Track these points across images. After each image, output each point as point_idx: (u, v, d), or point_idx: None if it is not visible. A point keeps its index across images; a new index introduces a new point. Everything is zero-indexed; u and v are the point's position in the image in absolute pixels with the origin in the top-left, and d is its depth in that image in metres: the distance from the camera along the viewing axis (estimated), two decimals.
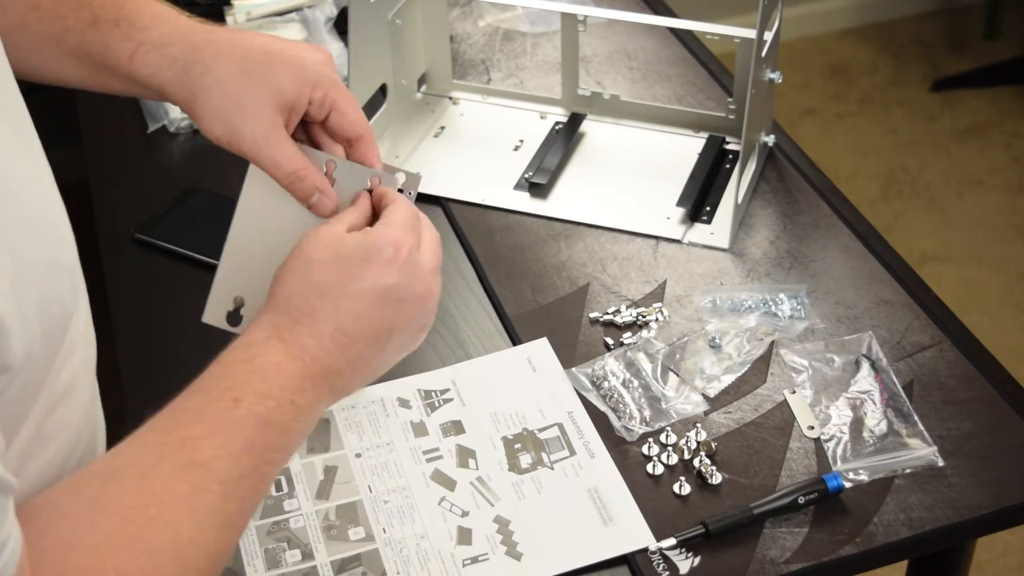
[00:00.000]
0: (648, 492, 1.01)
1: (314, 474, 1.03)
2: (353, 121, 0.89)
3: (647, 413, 1.07)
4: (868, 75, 3.22)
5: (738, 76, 1.33)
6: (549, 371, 1.11)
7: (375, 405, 1.09)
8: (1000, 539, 2.05)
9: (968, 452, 1.03)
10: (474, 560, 0.96)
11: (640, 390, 1.08)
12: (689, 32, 1.55)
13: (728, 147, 1.37)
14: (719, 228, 1.27)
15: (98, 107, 1.47)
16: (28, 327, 0.64)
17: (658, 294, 1.19)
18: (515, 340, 1.15)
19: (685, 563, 0.95)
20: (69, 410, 0.74)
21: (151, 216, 1.30)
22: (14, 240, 0.64)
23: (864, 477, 1.01)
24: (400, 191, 0.89)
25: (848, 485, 1.00)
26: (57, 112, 1.46)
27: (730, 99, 1.37)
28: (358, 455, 1.05)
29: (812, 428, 1.05)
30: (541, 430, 1.06)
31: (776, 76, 1.28)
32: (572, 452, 1.04)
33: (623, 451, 1.04)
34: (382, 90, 1.38)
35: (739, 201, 1.24)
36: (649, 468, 1.03)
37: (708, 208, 1.29)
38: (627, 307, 1.17)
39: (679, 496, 1.00)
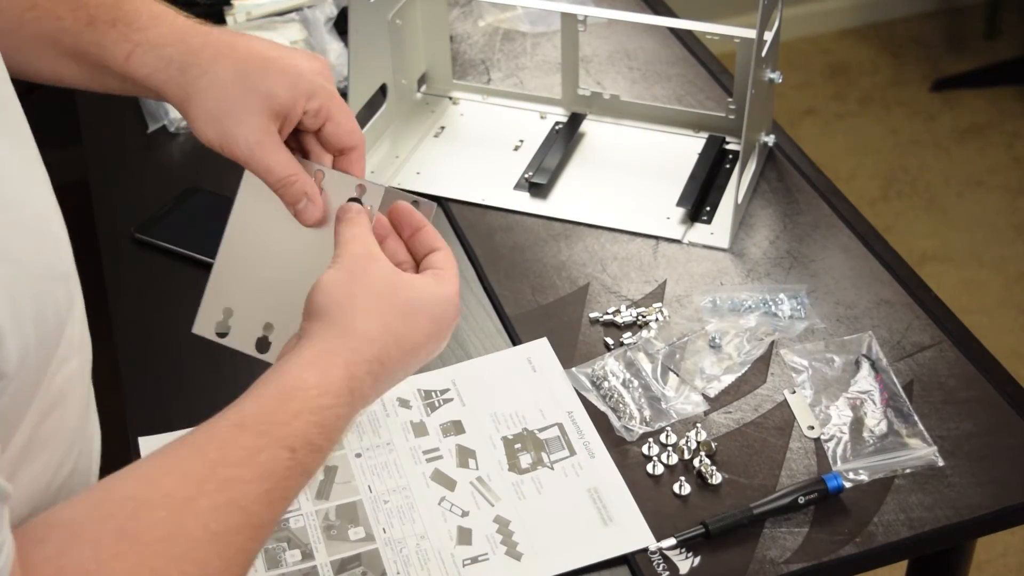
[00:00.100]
0: (648, 492, 1.01)
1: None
2: (349, 131, 0.89)
3: (647, 413, 1.07)
4: (868, 75, 3.22)
5: (738, 76, 1.33)
6: (549, 371, 1.11)
7: (375, 405, 1.09)
8: (1000, 539, 2.04)
9: (968, 452, 1.03)
10: (474, 560, 0.96)
11: (640, 390, 1.08)
12: (689, 32, 1.55)
13: (728, 147, 1.37)
14: (719, 228, 1.27)
15: (98, 107, 1.47)
16: (23, 333, 0.64)
17: (658, 294, 1.19)
18: (515, 340, 1.15)
19: (685, 563, 0.95)
20: (63, 416, 0.73)
21: (151, 216, 1.30)
22: (9, 246, 0.64)
23: (864, 477, 1.01)
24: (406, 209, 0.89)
25: (848, 485, 1.00)
26: (57, 112, 1.46)
27: (730, 99, 1.37)
28: (358, 455, 1.05)
29: (812, 428, 1.05)
30: (541, 430, 1.06)
31: (776, 76, 1.28)
32: (572, 452, 1.04)
33: (623, 451, 1.04)
34: (382, 90, 1.38)
35: (739, 201, 1.24)
36: (649, 468, 1.03)
37: (708, 208, 1.29)
38: (627, 307, 1.17)
39: (679, 496, 1.00)
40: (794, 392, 1.08)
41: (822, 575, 0.95)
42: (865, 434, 1.04)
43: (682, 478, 1.02)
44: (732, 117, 1.37)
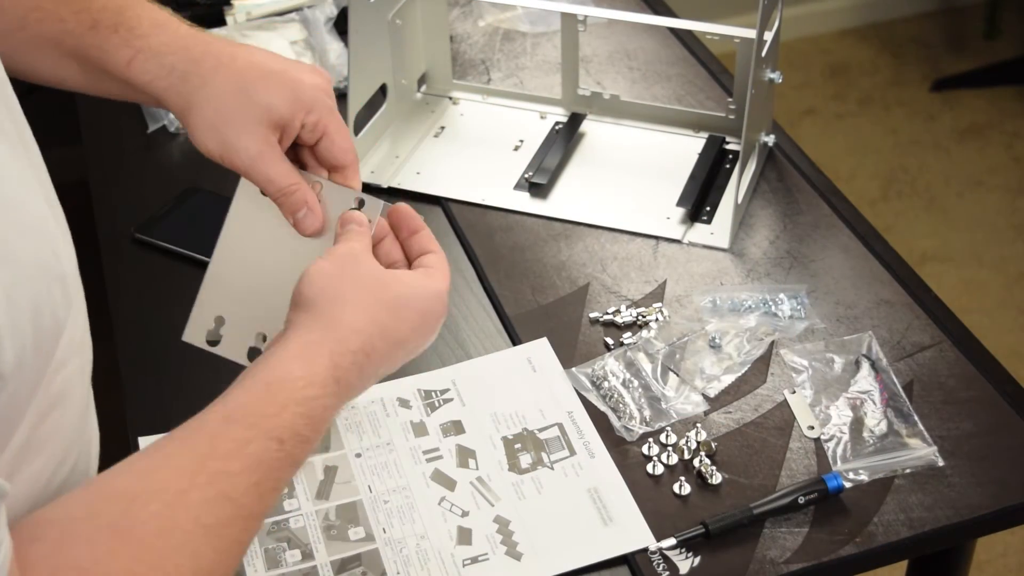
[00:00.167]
0: (648, 492, 1.01)
1: (314, 474, 1.03)
2: (343, 149, 0.90)
3: (647, 413, 1.07)
4: (868, 75, 3.22)
5: (738, 76, 1.33)
6: (549, 371, 1.11)
7: (375, 405, 1.09)
8: (1000, 539, 2.05)
9: (968, 452, 1.03)
10: (474, 560, 0.96)
11: (640, 390, 1.08)
12: (689, 32, 1.55)
13: (728, 147, 1.37)
14: (719, 228, 1.27)
15: (98, 107, 1.46)
16: (20, 335, 0.64)
17: (658, 294, 1.19)
18: (515, 340, 1.15)
19: (685, 563, 0.95)
20: (62, 418, 0.73)
21: (151, 216, 1.30)
22: (7, 248, 0.64)
23: (864, 477, 1.01)
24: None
25: (848, 485, 1.00)
26: (57, 112, 1.46)
27: (730, 99, 1.37)
28: (358, 455, 1.05)
29: (812, 428, 1.05)
30: (541, 430, 1.06)
31: (776, 76, 1.28)
32: (572, 452, 1.04)
33: (623, 451, 1.04)
34: (382, 90, 1.38)
35: (739, 201, 1.24)
36: (649, 468, 1.03)
37: (708, 208, 1.29)
38: (627, 307, 1.17)
39: (679, 496, 1.00)
40: (794, 392, 1.08)
41: (822, 575, 0.95)
42: (865, 434, 1.04)
43: (682, 478, 1.02)
44: (732, 117, 1.37)
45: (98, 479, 0.70)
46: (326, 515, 1.00)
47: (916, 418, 1.05)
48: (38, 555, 0.63)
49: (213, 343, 0.92)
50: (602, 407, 1.07)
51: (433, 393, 1.10)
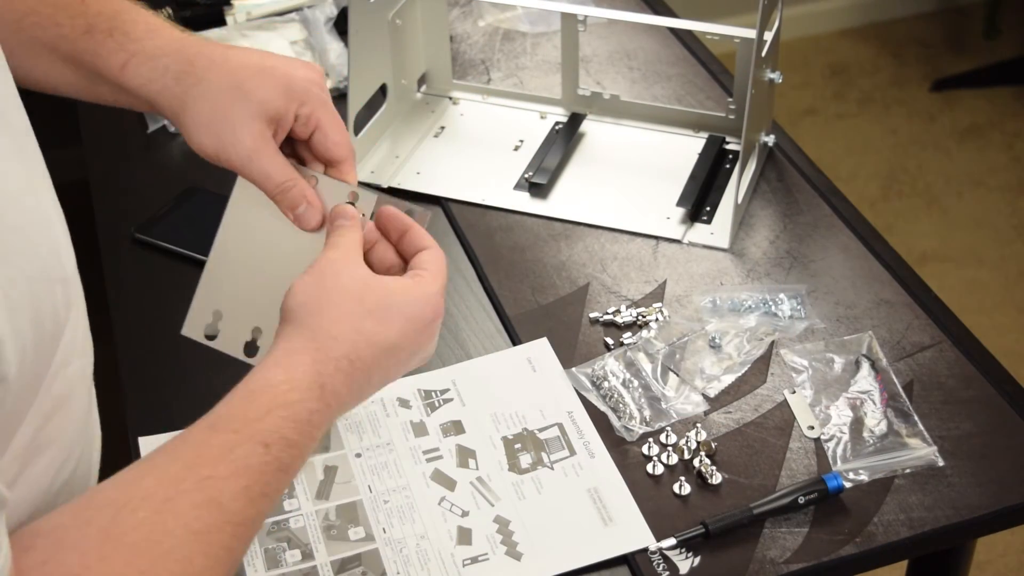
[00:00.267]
0: (648, 492, 1.01)
1: (314, 474, 1.03)
2: (337, 143, 0.89)
3: (647, 413, 1.07)
4: (868, 75, 3.22)
5: (738, 76, 1.33)
6: (549, 371, 1.11)
7: (375, 405, 1.09)
8: (1000, 539, 2.04)
9: (968, 452, 1.03)
10: (474, 560, 0.96)
11: (640, 390, 1.08)
12: (689, 32, 1.55)
13: (728, 147, 1.37)
14: (719, 228, 1.27)
15: (98, 107, 1.46)
16: (20, 337, 0.64)
17: (658, 294, 1.19)
18: (515, 340, 1.15)
19: (685, 563, 0.95)
20: (64, 420, 0.73)
21: (151, 216, 1.30)
22: (7, 250, 0.64)
23: (864, 477, 1.01)
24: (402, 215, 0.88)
25: (848, 485, 1.00)
26: (57, 112, 1.46)
27: (730, 99, 1.37)
28: (358, 455, 1.05)
29: (812, 428, 1.05)
30: (541, 430, 1.06)
31: (776, 76, 1.29)
32: (572, 452, 1.04)
33: (623, 451, 1.04)
34: (382, 90, 1.38)
35: (739, 201, 1.24)
36: (649, 468, 1.03)
37: (708, 208, 1.29)
38: (627, 307, 1.17)
39: (679, 496, 1.00)
40: (794, 392, 1.08)
41: (822, 575, 0.95)
42: (865, 434, 1.04)
43: (682, 478, 1.02)
44: (732, 117, 1.37)
45: (88, 492, 0.70)
46: (326, 515, 1.00)
47: (916, 418, 1.05)
48: (29, 564, 0.63)
49: (211, 337, 0.92)
50: (602, 407, 1.07)
51: (433, 393, 1.10)
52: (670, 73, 1.51)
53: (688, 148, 1.37)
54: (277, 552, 0.97)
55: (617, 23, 1.57)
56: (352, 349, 0.78)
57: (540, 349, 1.13)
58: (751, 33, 1.22)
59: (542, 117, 1.44)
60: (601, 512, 0.99)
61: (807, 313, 1.16)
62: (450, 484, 1.02)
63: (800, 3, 3.25)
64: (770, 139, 1.34)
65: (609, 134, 1.42)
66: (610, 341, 1.14)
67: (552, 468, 1.03)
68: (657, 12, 1.61)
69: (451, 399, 1.09)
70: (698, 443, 1.04)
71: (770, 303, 1.16)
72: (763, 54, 1.20)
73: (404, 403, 1.09)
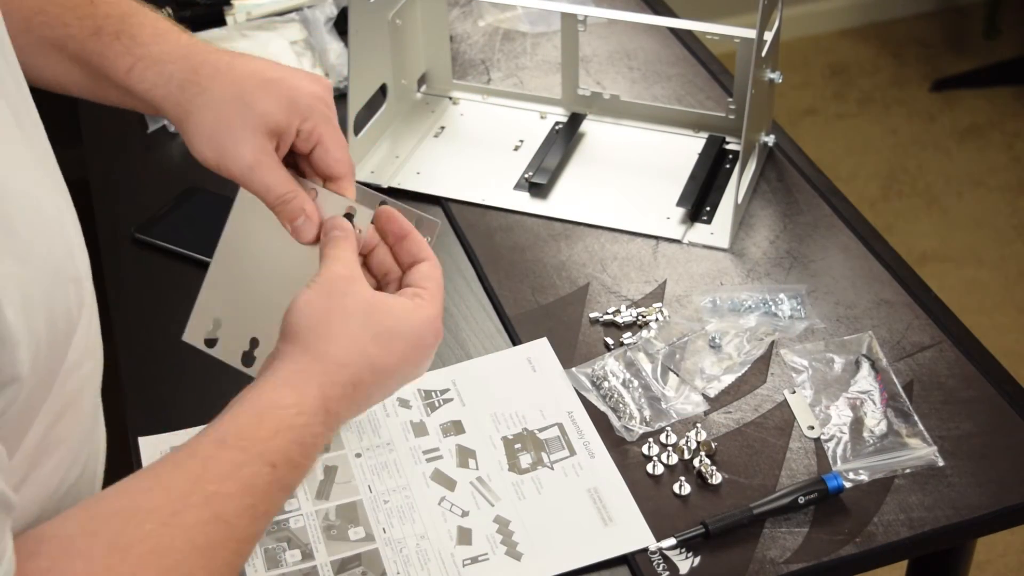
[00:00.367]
0: (648, 492, 1.01)
1: (314, 474, 1.03)
2: (337, 160, 0.89)
3: (647, 413, 1.07)
4: (868, 75, 3.23)
5: (738, 76, 1.33)
6: (549, 371, 1.11)
7: (375, 405, 1.08)
8: (1000, 539, 2.05)
9: (968, 452, 1.03)
10: (474, 560, 0.96)
11: (640, 390, 1.08)
12: (689, 32, 1.55)
13: (728, 147, 1.37)
14: (719, 228, 1.27)
15: (98, 107, 1.45)
16: (34, 337, 0.64)
17: (658, 294, 1.19)
18: (515, 340, 1.15)
19: (685, 563, 0.95)
20: (73, 420, 0.73)
21: (151, 216, 1.30)
22: (25, 250, 0.64)
23: (864, 477, 1.01)
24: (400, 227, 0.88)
25: (848, 485, 1.00)
26: (57, 112, 1.46)
27: (730, 99, 1.37)
28: (358, 455, 1.05)
29: (812, 428, 1.05)
30: (541, 430, 1.06)
31: (776, 76, 1.29)
32: (572, 452, 1.04)
33: (623, 451, 1.04)
34: (382, 90, 1.38)
35: (739, 201, 1.24)
36: (649, 468, 1.03)
37: (708, 208, 1.29)
38: (627, 307, 1.17)
39: (679, 496, 1.00)
40: (794, 392, 1.08)
41: (822, 575, 0.95)
42: (865, 434, 1.04)
43: (682, 478, 1.02)
44: (732, 117, 1.37)
45: (93, 499, 0.70)
46: (326, 515, 1.00)
47: (916, 418, 1.05)
48: (35, 570, 0.63)
49: (210, 344, 0.92)
50: (602, 407, 1.07)
51: (433, 393, 1.10)
52: (670, 73, 1.51)
53: (688, 148, 1.37)
54: (277, 552, 0.97)
55: (617, 23, 1.57)
56: (356, 374, 0.79)
57: (540, 349, 1.14)
58: (751, 33, 1.22)
59: (542, 117, 1.44)
60: (601, 512, 0.99)
61: (807, 313, 1.16)
62: (450, 484, 1.02)
63: (800, 3, 3.25)
64: (770, 139, 1.34)
65: (609, 134, 1.42)
66: (610, 341, 1.14)
67: (552, 468, 1.03)
68: (657, 12, 1.61)
69: (451, 399, 1.09)
70: (698, 443, 1.04)
71: (770, 303, 1.16)
72: (763, 54, 1.20)
73: (404, 403, 1.09)
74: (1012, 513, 1.00)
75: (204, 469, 0.71)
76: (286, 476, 0.74)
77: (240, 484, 0.71)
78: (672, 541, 0.96)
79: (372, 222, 0.87)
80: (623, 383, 1.09)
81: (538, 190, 1.32)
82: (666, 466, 1.03)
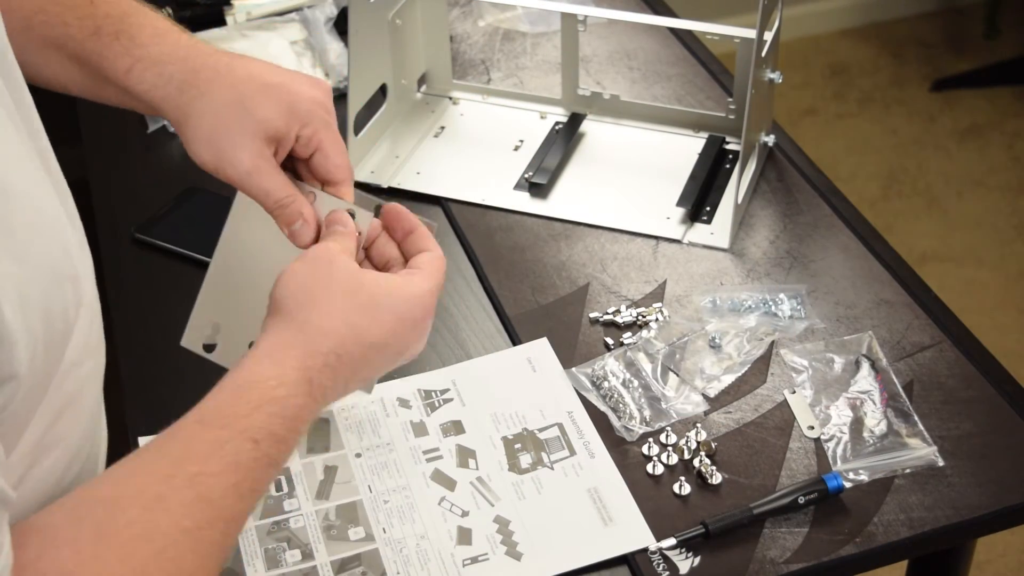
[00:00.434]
0: (648, 492, 1.01)
1: (314, 474, 1.03)
2: (337, 165, 0.89)
3: (647, 413, 1.07)
4: (868, 75, 3.22)
5: (738, 76, 1.33)
6: (549, 371, 1.11)
7: (375, 405, 1.09)
8: (1000, 539, 2.04)
9: (968, 452, 1.03)
10: (474, 560, 0.96)
11: (640, 390, 1.08)
12: (689, 32, 1.55)
13: (728, 147, 1.37)
14: (719, 228, 1.27)
15: (98, 107, 1.45)
16: (31, 335, 0.64)
17: (658, 294, 1.19)
18: (515, 340, 1.15)
19: (685, 563, 0.95)
20: (73, 419, 0.73)
21: (151, 216, 1.30)
22: (22, 249, 0.64)
23: (864, 477, 1.01)
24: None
25: (848, 485, 1.00)
26: (57, 112, 1.46)
27: (730, 99, 1.37)
28: (358, 455, 1.05)
29: (812, 428, 1.05)
30: (541, 430, 1.06)
31: (776, 76, 1.29)
32: (572, 452, 1.04)
33: (623, 451, 1.04)
34: (382, 90, 1.38)
35: (739, 201, 1.24)
36: (649, 468, 1.03)
37: (708, 208, 1.29)
38: (627, 307, 1.17)
39: (679, 496, 1.00)
40: (794, 392, 1.08)
41: (822, 575, 0.95)
42: (865, 434, 1.04)
43: (682, 478, 1.02)
44: (732, 117, 1.37)
45: (79, 488, 0.70)
46: (326, 515, 1.00)
47: (916, 418, 1.05)
48: (22, 561, 0.63)
49: (209, 349, 0.92)
50: (602, 407, 1.07)
51: (433, 393, 1.10)
52: (670, 73, 1.51)
53: (688, 148, 1.37)
54: (277, 552, 0.97)
55: (617, 23, 1.57)
56: (340, 344, 0.78)
57: (540, 349, 1.13)
58: (751, 33, 1.22)
59: (542, 117, 1.44)
60: (601, 512, 0.99)
61: (807, 313, 1.16)
62: (450, 484, 1.02)
63: (800, 3, 3.25)
64: (770, 139, 1.34)
65: (609, 134, 1.42)
66: (610, 341, 1.14)
67: (552, 468, 1.03)
68: (657, 12, 1.61)
69: (451, 399, 1.09)
70: (698, 443, 1.04)
71: (770, 303, 1.16)
72: (763, 54, 1.20)
73: (404, 403, 1.09)
74: (1012, 513, 1.00)
75: (186, 450, 0.71)
76: (271, 451, 0.73)
77: (223, 463, 0.71)
78: (672, 541, 0.96)
79: (377, 217, 0.87)
80: (623, 383, 1.09)
81: (538, 190, 1.32)
82: (666, 466, 1.03)
